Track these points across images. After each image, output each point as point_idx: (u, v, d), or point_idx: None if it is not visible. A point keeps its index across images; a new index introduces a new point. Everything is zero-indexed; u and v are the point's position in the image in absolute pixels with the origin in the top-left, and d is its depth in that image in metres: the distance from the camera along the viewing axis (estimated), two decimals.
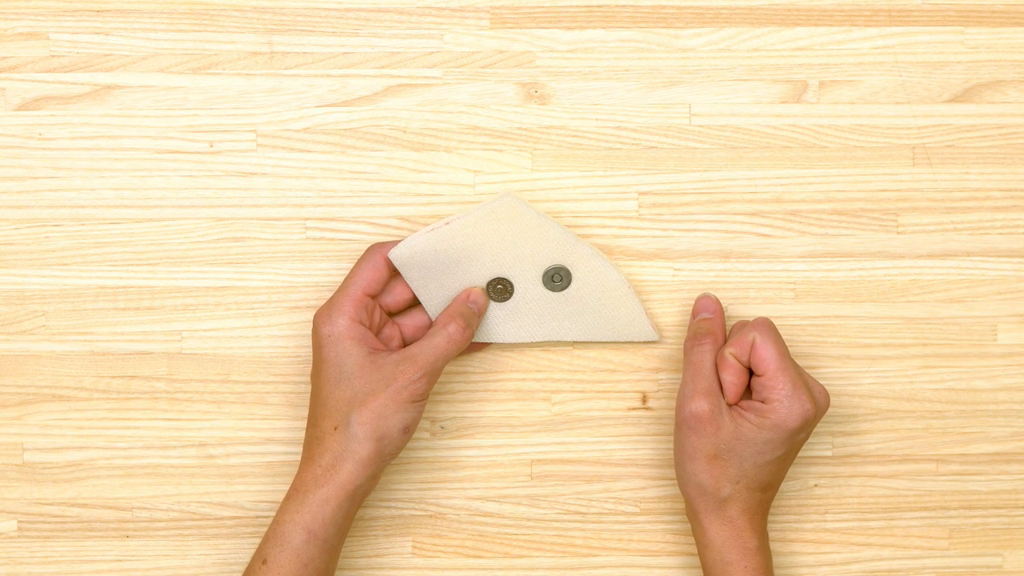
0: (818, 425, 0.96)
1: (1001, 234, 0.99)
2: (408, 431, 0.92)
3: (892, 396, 0.99)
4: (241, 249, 0.98)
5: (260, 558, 0.91)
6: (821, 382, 0.97)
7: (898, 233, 0.99)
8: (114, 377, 0.98)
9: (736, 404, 0.93)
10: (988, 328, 0.99)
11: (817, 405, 0.93)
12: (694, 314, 0.97)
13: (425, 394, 0.92)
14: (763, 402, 0.93)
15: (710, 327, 0.95)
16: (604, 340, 0.98)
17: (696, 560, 1.00)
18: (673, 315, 0.99)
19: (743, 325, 0.96)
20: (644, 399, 0.99)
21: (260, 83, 0.97)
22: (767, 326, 0.94)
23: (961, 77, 0.99)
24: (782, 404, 0.92)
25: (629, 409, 1.00)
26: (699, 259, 0.99)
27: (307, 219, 0.98)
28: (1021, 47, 0.98)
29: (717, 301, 0.97)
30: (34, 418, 0.98)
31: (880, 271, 0.99)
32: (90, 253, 0.98)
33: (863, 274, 0.99)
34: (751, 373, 0.95)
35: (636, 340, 0.97)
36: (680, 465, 0.94)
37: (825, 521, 1.00)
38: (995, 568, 1.01)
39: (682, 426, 0.93)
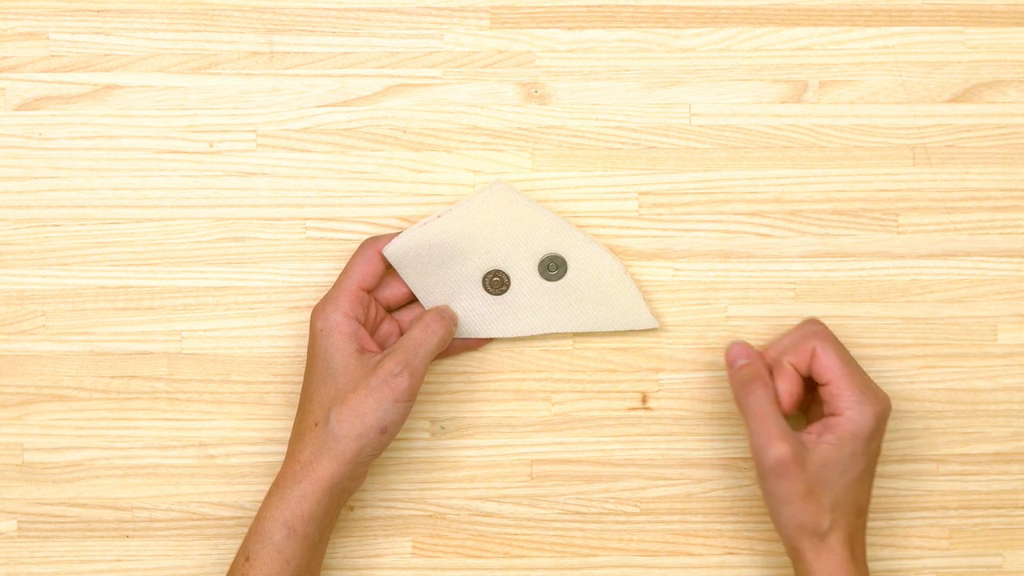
0: None
1: (1001, 234, 0.99)
2: (386, 432, 0.91)
3: (892, 396, 0.99)
4: (241, 249, 0.98)
5: (243, 555, 0.91)
6: None
7: (898, 233, 0.99)
8: (114, 377, 0.98)
9: (808, 431, 0.92)
10: (988, 328, 0.99)
11: (884, 405, 0.92)
12: (730, 364, 0.95)
13: (408, 392, 0.91)
14: (834, 414, 0.92)
15: (755, 371, 0.93)
16: (603, 330, 0.97)
17: (695, 560, 1.00)
18: (673, 315, 0.99)
19: (798, 332, 0.94)
20: (644, 399, 0.99)
21: (260, 83, 0.97)
22: (825, 333, 0.93)
23: (961, 77, 0.98)
24: (854, 411, 0.91)
25: (629, 409, 0.99)
26: (699, 259, 0.99)
27: (307, 219, 0.98)
28: (1021, 47, 0.98)
29: (749, 345, 0.95)
30: (34, 418, 0.98)
31: (880, 271, 0.99)
32: (90, 253, 0.98)
33: (863, 274, 0.99)
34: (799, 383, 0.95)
35: (636, 328, 0.97)
36: (776, 512, 0.92)
37: None
38: (995, 568, 1.00)
39: (769, 475, 0.91)
